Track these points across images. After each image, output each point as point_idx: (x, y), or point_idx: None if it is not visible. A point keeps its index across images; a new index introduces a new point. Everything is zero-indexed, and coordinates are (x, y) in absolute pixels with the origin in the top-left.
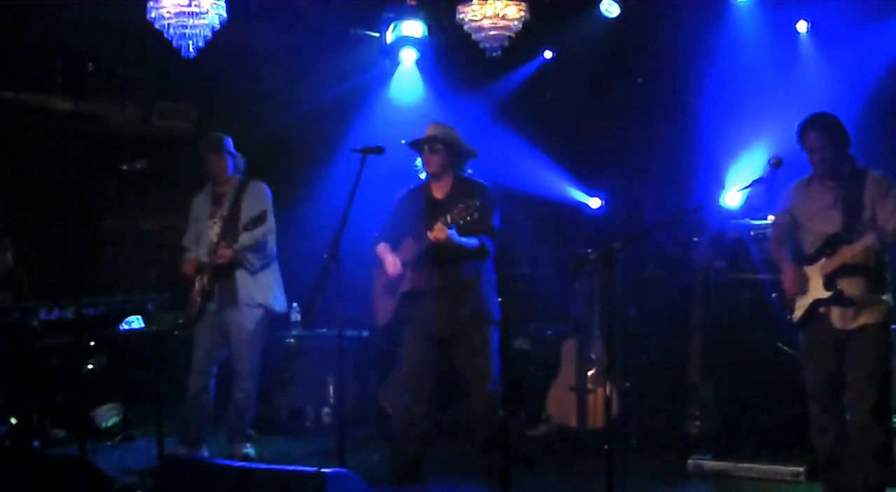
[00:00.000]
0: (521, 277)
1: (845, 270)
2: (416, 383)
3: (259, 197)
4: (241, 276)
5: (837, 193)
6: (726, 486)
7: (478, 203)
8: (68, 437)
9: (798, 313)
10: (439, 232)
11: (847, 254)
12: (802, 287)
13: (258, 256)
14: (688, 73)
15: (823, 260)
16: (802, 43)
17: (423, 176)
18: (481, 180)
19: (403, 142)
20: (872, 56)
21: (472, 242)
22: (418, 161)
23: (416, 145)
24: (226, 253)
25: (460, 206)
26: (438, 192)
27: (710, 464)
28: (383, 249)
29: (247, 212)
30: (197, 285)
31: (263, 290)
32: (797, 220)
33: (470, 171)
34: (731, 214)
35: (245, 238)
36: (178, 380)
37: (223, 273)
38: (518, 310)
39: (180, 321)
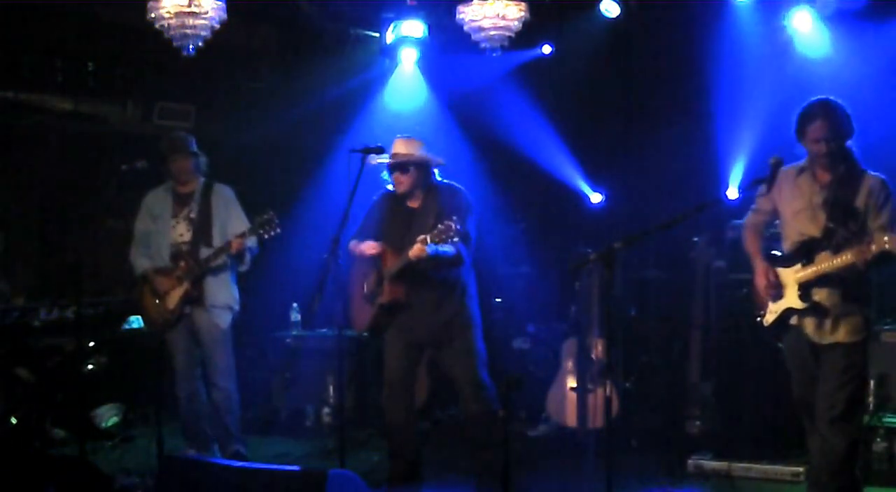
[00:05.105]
0: (521, 277)
1: (823, 281)
2: (404, 390)
3: (228, 200)
4: (209, 278)
5: (828, 193)
6: (726, 486)
7: (458, 227)
8: (68, 437)
9: (770, 318)
10: (419, 252)
11: (827, 264)
12: (777, 293)
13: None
14: (688, 73)
15: (798, 266)
16: (802, 42)
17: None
18: (455, 184)
19: (374, 160)
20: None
21: (449, 250)
22: (385, 173)
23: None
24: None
25: (440, 227)
26: (413, 201)
27: (710, 464)
28: (355, 243)
29: (217, 215)
30: (176, 290)
31: (229, 290)
32: (780, 212)
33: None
34: (731, 214)
35: (253, 242)
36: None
37: (202, 277)
38: (518, 310)
39: (162, 322)
